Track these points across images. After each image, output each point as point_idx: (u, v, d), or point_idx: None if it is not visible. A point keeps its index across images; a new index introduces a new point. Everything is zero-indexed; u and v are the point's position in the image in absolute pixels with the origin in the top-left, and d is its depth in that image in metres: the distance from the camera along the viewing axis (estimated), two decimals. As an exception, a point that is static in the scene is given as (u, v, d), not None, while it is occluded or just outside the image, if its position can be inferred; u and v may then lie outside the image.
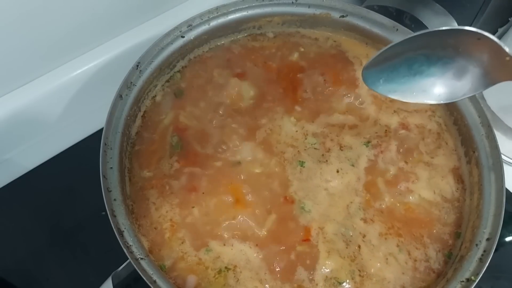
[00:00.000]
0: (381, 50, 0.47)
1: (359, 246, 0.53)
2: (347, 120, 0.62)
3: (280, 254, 0.52)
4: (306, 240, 0.53)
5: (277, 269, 0.52)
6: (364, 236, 0.54)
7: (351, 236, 0.54)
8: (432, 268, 0.53)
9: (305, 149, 0.59)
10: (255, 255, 0.52)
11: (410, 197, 0.56)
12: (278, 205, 0.55)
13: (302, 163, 0.58)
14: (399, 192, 0.57)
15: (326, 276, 0.52)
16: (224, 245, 0.53)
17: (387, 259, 0.53)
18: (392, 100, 0.64)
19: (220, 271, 0.52)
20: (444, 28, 0.44)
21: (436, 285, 0.51)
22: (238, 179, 0.56)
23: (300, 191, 0.56)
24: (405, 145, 0.60)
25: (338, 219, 0.55)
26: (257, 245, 0.53)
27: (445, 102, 0.51)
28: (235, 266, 0.52)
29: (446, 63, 0.48)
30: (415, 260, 0.53)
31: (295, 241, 0.53)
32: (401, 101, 0.63)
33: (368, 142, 0.60)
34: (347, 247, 0.53)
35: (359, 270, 0.52)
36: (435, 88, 0.50)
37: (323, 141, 0.60)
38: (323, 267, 0.52)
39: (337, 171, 0.58)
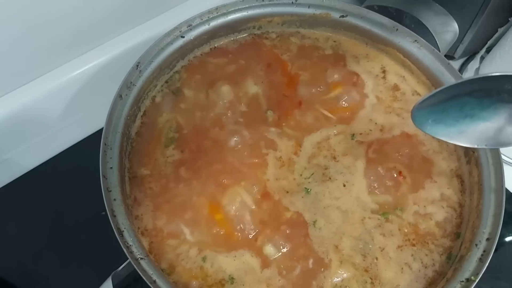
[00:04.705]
0: (434, 91, 0.46)
1: (377, 258, 0.53)
2: (342, 124, 0.61)
3: (290, 266, 0.52)
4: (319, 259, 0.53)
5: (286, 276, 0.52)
6: (382, 250, 0.54)
7: (370, 248, 0.54)
8: (437, 271, 0.53)
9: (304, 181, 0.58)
10: (259, 266, 0.52)
11: (423, 222, 0.56)
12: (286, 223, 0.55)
13: (308, 190, 0.57)
14: (409, 215, 0.56)
15: (336, 284, 0.52)
16: (226, 256, 0.52)
17: (402, 268, 0.53)
18: (392, 101, 0.64)
19: (222, 280, 0.51)
20: (503, 73, 0.42)
21: (436, 285, 0.51)
22: (240, 183, 0.56)
23: (307, 213, 0.55)
24: (407, 150, 0.59)
25: (355, 235, 0.54)
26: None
27: (494, 147, 0.49)
28: (238, 276, 0.51)
29: (498, 108, 0.47)
30: (426, 267, 0.53)
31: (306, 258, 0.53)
32: (401, 101, 0.64)
33: (357, 137, 0.60)
34: (364, 260, 0.53)
35: (371, 279, 0.52)
36: (486, 133, 0.48)
37: (316, 162, 0.58)
38: (334, 276, 0.52)
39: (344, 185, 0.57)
